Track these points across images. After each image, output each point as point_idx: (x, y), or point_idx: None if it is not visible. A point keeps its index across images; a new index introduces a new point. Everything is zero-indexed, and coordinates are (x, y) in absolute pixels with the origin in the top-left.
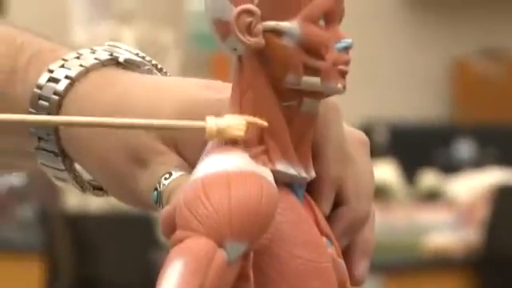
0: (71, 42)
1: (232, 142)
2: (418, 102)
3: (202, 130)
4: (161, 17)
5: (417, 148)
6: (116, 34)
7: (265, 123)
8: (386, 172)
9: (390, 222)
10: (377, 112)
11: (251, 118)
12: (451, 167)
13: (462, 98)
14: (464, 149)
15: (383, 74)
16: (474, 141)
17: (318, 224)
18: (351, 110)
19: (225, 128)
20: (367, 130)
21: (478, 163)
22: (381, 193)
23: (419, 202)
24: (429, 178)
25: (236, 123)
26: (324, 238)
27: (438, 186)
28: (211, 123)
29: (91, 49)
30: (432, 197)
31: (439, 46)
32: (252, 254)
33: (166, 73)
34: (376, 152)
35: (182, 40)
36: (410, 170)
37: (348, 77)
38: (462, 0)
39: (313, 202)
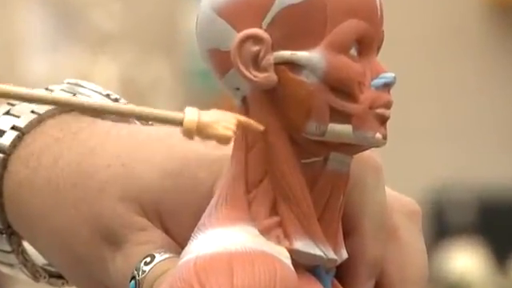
0: (25, 76)
1: (234, 206)
2: None
3: (179, 124)
4: (152, 42)
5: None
6: (89, 65)
7: (261, 127)
8: (469, 258)
9: None
10: (457, 177)
11: (245, 118)
12: None
13: None
14: None
15: (467, 124)
16: None
17: None
18: (421, 174)
19: (208, 123)
20: (443, 201)
21: None
22: (461, 286)
23: None
24: None
25: (224, 119)
26: None
27: None
28: (191, 115)
29: (46, 88)
30: None
31: None
32: None
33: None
34: (456, 232)
35: (181, 74)
36: (501, 256)
37: (416, 128)
38: None
39: None
